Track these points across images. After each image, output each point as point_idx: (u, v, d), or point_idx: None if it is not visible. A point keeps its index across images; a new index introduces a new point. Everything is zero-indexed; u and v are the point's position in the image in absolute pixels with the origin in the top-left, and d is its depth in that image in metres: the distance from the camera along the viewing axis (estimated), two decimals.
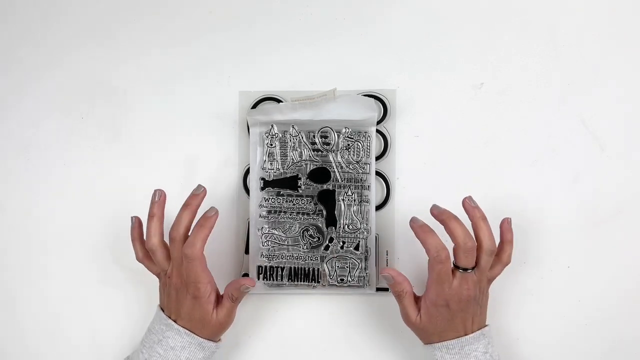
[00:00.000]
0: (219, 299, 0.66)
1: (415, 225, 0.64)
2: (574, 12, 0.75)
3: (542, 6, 0.75)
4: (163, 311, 0.66)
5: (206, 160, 0.75)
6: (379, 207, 0.73)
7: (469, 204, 0.65)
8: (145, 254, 0.68)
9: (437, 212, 0.64)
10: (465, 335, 0.64)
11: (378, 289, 0.72)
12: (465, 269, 0.63)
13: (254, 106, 0.74)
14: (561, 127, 0.74)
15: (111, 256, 0.75)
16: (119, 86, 0.77)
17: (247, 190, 0.74)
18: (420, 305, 0.65)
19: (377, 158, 0.73)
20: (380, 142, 0.73)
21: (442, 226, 0.63)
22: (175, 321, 0.65)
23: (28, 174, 0.76)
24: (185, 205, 0.65)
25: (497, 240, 0.66)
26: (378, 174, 0.73)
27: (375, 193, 0.72)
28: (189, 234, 0.64)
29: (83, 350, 0.75)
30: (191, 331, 0.65)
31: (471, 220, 0.64)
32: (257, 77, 0.76)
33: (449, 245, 0.63)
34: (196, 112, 0.76)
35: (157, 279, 0.68)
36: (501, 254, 0.66)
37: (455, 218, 0.63)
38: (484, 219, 0.64)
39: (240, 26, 0.76)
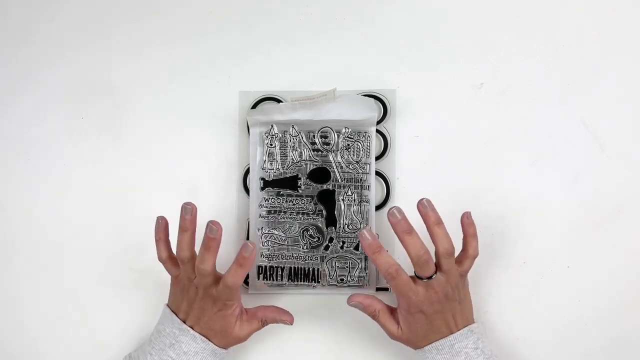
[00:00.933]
0: (241, 312, 0.66)
1: (365, 244, 0.62)
2: (574, 12, 0.75)
3: (542, 6, 0.75)
4: (176, 314, 0.66)
5: (206, 160, 0.75)
6: (379, 207, 0.73)
7: (423, 209, 0.62)
8: (169, 256, 0.66)
9: (397, 220, 0.62)
10: (451, 334, 0.63)
11: (378, 289, 0.72)
12: (428, 278, 0.62)
13: (254, 106, 0.74)
14: (561, 127, 0.74)
15: (112, 256, 0.75)
16: (119, 86, 0.77)
17: (247, 190, 0.74)
18: (398, 317, 0.65)
19: (377, 158, 0.73)
20: (380, 142, 0.73)
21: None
22: (191, 327, 0.64)
23: (28, 174, 0.76)
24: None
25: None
26: (378, 174, 0.73)
27: (375, 193, 0.72)
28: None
29: (83, 350, 0.75)
30: (207, 338, 0.64)
31: (426, 226, 0.63)
32: (257, 77, 0.76)
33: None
34: (196, 112, 0.76)
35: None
36: (467, 248, 0.66)
37: (408, 231, 0.61)
38: (438, 223, 0.62)
39: (240, 26, 0.76)
